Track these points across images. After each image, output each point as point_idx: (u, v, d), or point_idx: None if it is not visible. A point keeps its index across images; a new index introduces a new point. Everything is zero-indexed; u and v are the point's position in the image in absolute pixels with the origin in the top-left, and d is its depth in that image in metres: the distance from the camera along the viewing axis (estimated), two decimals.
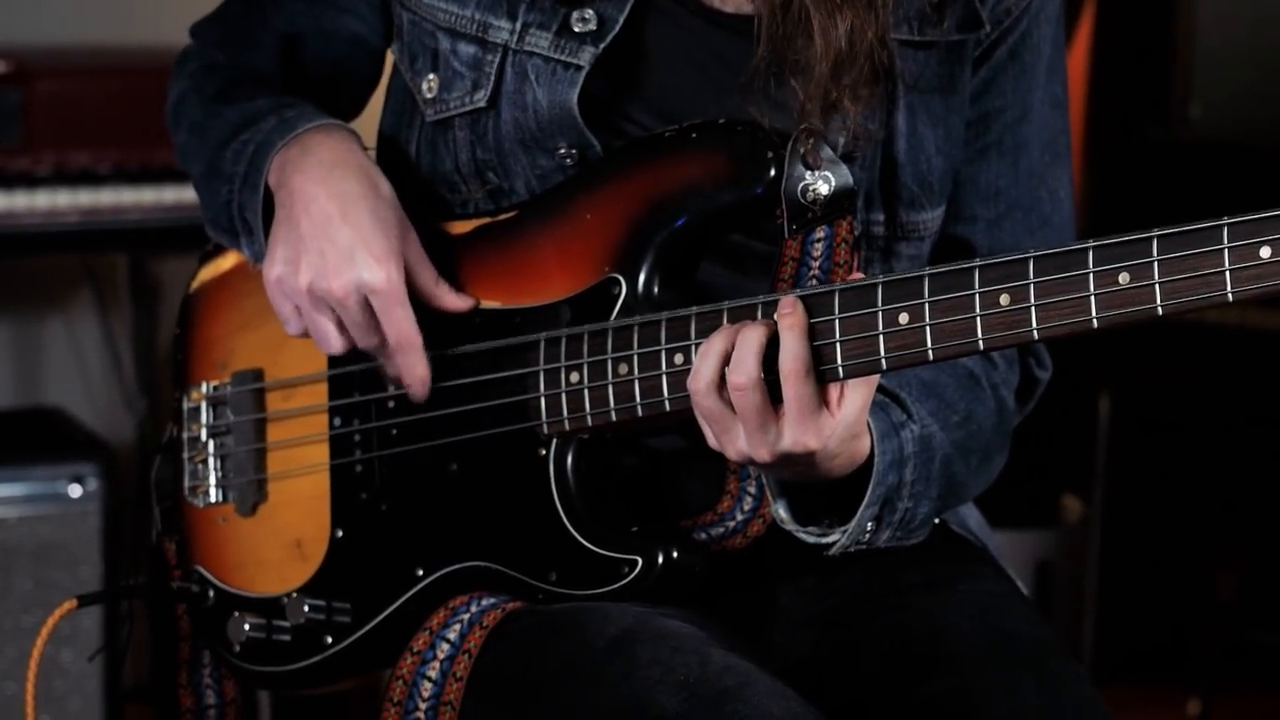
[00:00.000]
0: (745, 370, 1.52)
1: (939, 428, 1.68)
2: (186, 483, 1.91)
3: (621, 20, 1.71)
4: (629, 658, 1.57)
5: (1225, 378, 3.82)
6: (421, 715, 1.66)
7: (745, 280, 1.71)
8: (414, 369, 1.71)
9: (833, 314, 1.53)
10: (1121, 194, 3.84)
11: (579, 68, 1.71)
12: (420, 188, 1.80)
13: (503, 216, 1.75)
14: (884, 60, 1.65)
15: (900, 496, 1.65)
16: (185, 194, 3.04)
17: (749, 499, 1.68)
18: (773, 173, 1.63)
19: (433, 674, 1.67)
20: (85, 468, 3.08)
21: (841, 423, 1.54)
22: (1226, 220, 1.40)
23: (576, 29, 1.72)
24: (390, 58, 1.87)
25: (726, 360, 1.54)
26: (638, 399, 1.62)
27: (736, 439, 1.55)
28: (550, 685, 1.60)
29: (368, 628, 1.77)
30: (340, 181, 1.70)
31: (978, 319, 1.48)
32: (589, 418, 1.65)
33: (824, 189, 1.64)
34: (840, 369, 1.53)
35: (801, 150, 1.63)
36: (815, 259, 1.65)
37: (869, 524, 1.64)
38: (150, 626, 1.97)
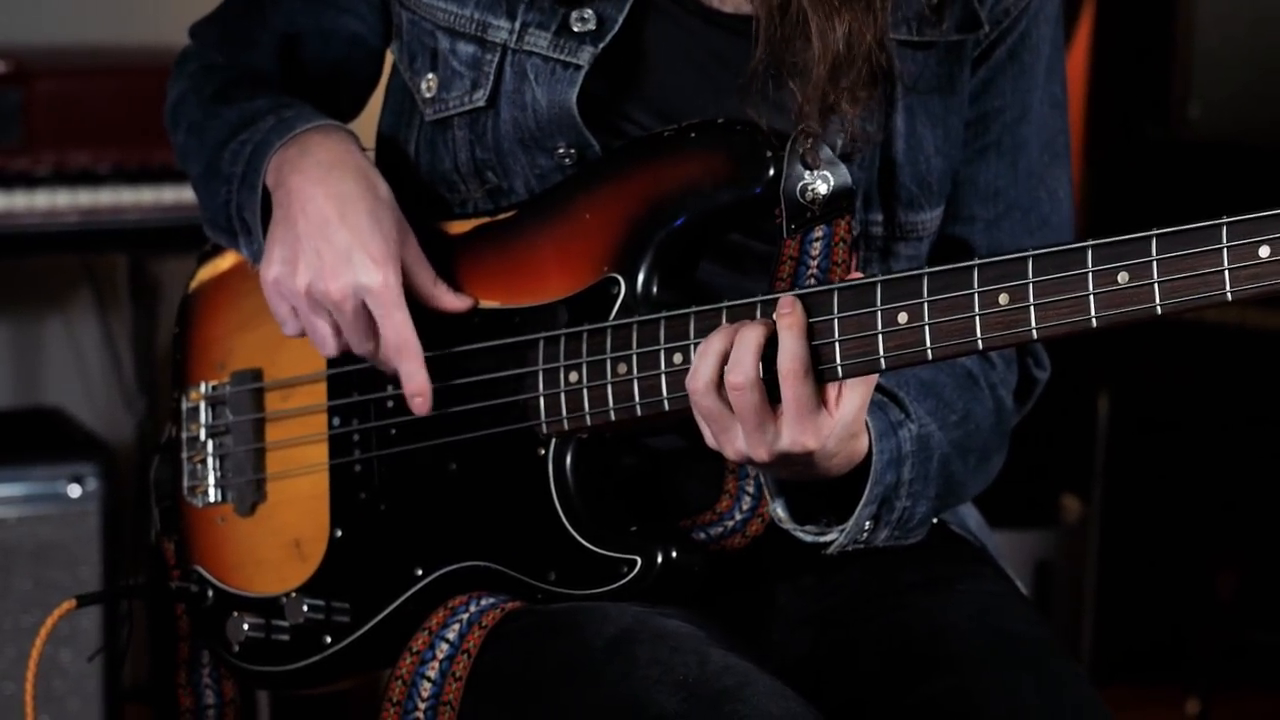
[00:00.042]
0: (743, 370, 1.52)
1: (937, 427, 1.68)
2: (185, 482, 1.91)
3: (620, 20, 1.71)
4: (628, 657, 1.57)
5: (1225, 377, 3.82)
6: (421, 715, 1.66)
7: (744, 279, 1.71)
8: (413, 379, 1.70)
9: (832, 313, 1.53)
10: (1121, 194, 3.84)
11: (578, 67, 1.71)
12: (419, 187, 1.80)
13: (502, 216, 1.75)
14: (882, 63, 1.65)
15: (898, 495, 1.65)
16: (184, 194, 3.04)
17: (747, 498, 1.68)
18: (772, 172, 1.63)
19: (432, 674, 1.67)
20: (85, 468, 3.08)
21: (840, 422, 1.54)
22: (1225, 220, 1.40)
23: (576, 29, 1.72)
24: (389, 57, 1.87)
25: (725, 360, 1.54)
26: (636, 398, 1.62)
27: (735, 438, 1.55)
28: (549, 685, 1.60)
29: (367, 627, 1.77)
30: (338, 182, 1.70)
31: (976, 318, 1.48)
32: (588, 417, 1.65)
33: (823, 188, 1.64)
34: (839, 368, 1.53)
35: (800, 150, 1.63)
36: (813, 258, 1.65)
37: (867, 523, 1.64)
38: (149, 626, 1.97)
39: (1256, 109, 3.69)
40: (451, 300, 1.72)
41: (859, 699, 1.65)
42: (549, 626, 1.64)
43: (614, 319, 1.65)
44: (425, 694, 1.67)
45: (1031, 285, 1.46)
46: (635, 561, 1.64)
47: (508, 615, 1.67)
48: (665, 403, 1.61)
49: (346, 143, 1.74)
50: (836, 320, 1.52)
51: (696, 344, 1.58)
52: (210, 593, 1.88)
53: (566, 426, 1.67)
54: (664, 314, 1.61)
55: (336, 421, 1.80)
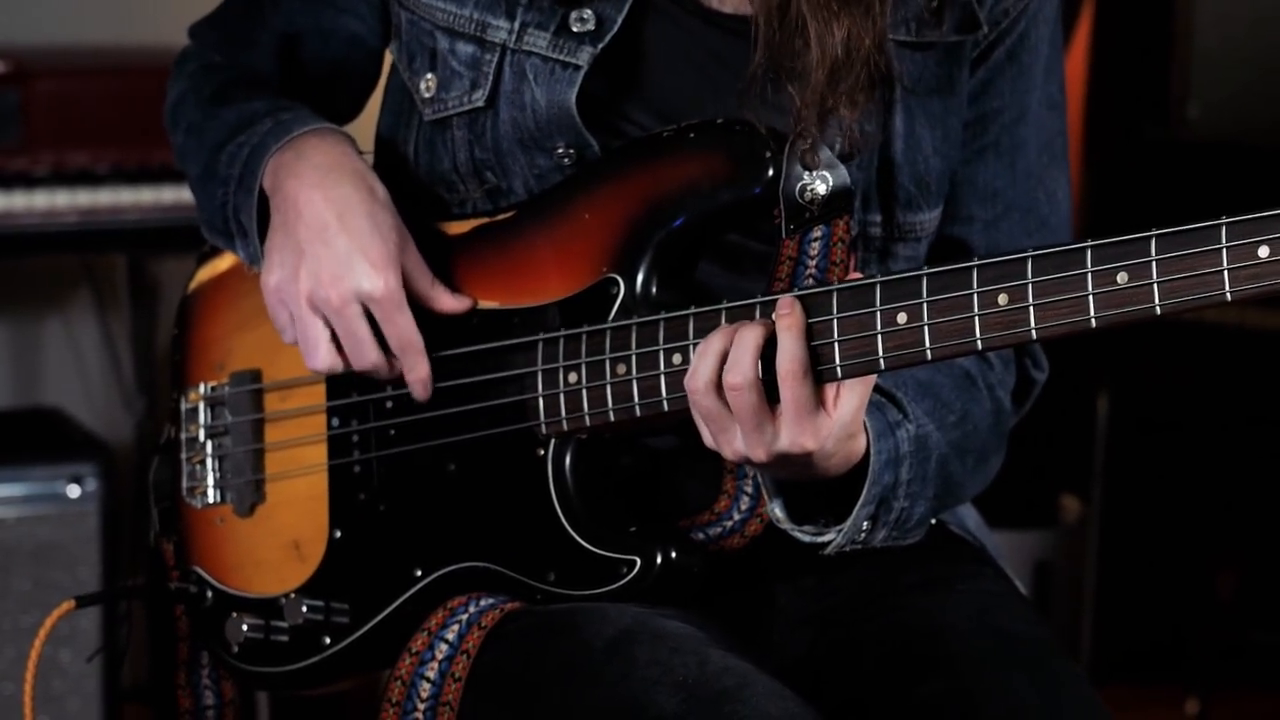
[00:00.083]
0: (742, 370, 1.52)
1: (935, 427, 1.68)
2: (184, 483, 1.91)
3: (620, 20, 1.71)
4: (627, 658, 1.57)
5: (1224, 378, 3.82)
6: (420, 716, 1.66)
7: (742, 280, 1.71)
8: (416, 369, 1.71)
9: (831, 314, 1.53)
10: (1120, 194, 3.84)
11: (577, 67, 1.71)
12: (418, 188, 1.80)
13: (501, 216, 1.75)
14: (881, 66, 1.64)
15: (896, 496, 1.65)
16: (184, 194, 3.04)
17: (746, 499, 1.68)
18: (771, 173, 1.63)
19: (431, 674, 1.67)
20: (84, 468, 3.08)
21: (838, 422, 1.54)
22: (1224, 220, 1.40)
23: (575, 29, 1.72)
24: (389, 58, 1.87)
25: (724, 360, 1.54)
26: (635, 399, 1.62)
27: (733, 439, 1.55)
28: (549, 686, 1.60)
29: (366, 628, 1.77)
30: (335, 186, 1.70)
31: (976, 319, 1.48)
32: (587, 418, 1.65)
33: (821, 189, 1.64)
34: (838, 369, 1.53)
35: (799, 150, 1.63)
36: (812, 258, 1.65)
37: (864, 523, 1.64)
38: (148, 627, 1.97)
39: (1256, 109, 3.69)
40: (450, 301, 1.72)
41: (858, 699, 1.65)
42: (548, 627, 1.64)
43: (613, 319, 1.65)
44: (424, 695, 1.67)
45: (1031, 285, 1.46)
46: (634, 562, 1.64)
47: (507, 616, 1.67)
48: (664, 403, 1.61)
49: (343, 145, 1.74)
50: (835, 321, 1.52)
51: (695, 344, 1.58)
52: (209, 593, 1.88)
53: (565, 427, 1.67)
54: (663, 315, 1.61)
55: (335, 422, 1.80)
